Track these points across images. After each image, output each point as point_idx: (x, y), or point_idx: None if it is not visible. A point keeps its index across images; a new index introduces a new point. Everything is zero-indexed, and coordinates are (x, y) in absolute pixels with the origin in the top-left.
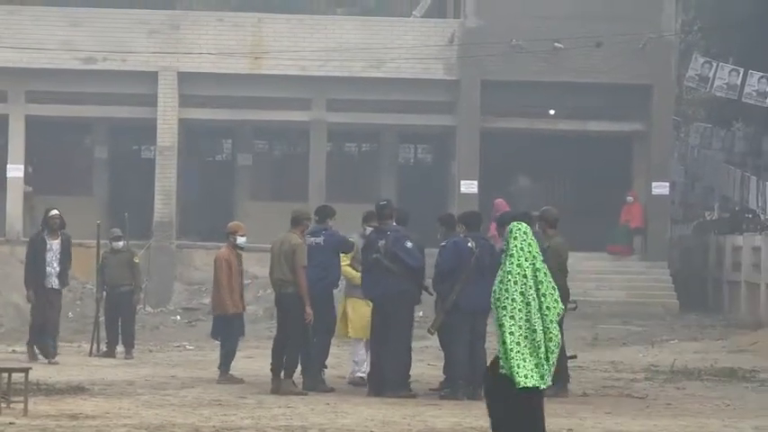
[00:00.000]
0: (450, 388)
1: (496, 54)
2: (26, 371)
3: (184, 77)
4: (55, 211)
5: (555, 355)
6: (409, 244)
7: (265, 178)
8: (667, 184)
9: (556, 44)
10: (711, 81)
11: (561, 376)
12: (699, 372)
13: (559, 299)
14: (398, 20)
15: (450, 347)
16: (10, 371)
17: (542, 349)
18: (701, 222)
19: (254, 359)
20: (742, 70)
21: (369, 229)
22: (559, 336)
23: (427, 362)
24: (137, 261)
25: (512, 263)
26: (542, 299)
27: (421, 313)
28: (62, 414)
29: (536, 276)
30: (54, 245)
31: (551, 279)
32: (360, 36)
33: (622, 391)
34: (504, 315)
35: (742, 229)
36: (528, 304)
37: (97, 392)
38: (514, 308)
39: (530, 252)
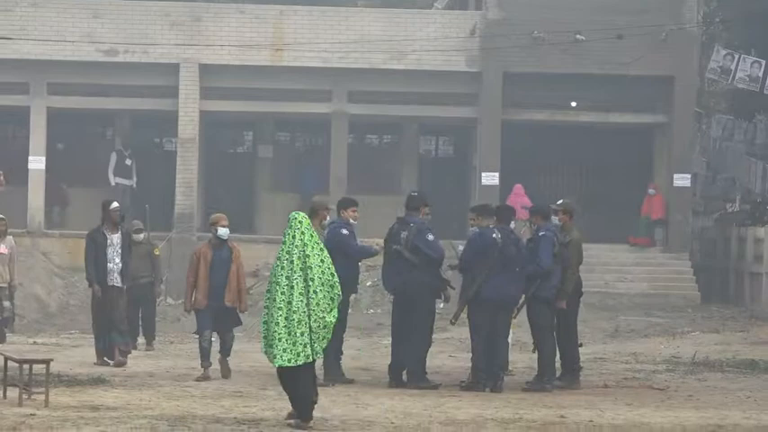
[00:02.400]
0: (471, 379)
1: (518, 46)
2: (47, 362)
3: (206, 69)
4: (116, 204)
5: (321, 335)
6: (431, 236)
7: (286, 170)
8: (689, 175)
9: (577, 36)
10: (733, 73)
11: (572, 367)
12: (720, 363)
13: (336, 285)
14: (420, 12)
15: (472, 338)
16: (31, 362)
17: (302, 330)
18: (722, 214)
19: None
20: (764, 62)
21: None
22: (328, 318)
23: (449, 353)
24: (157, 253)
25: (282, 249)
26: (309, 283)
27: (442, 305)
28: (83, 405)
29: (305, 262)
30: (114, 239)
31: (328, 267)
32: (381, 28)
33: (643, 382)
34: (268, 297)
35: (764, 221)
36: (292, 288)
37: (118, 384)
38: (276, 290)
39: (301, 240)
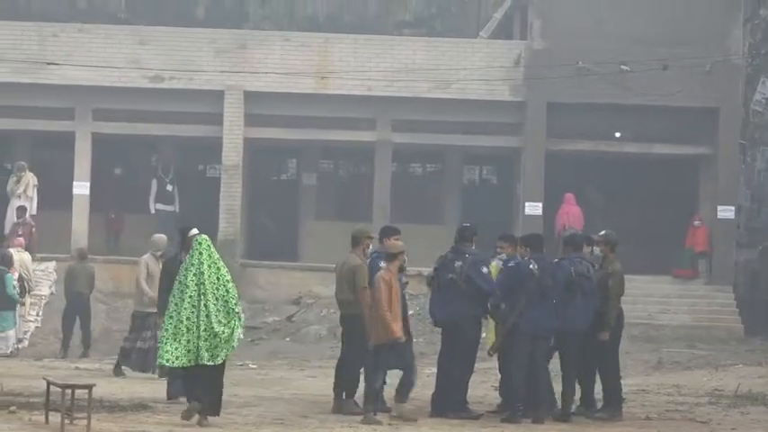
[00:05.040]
0: (510, 412)
1: (562, 76)
2: (90, 387)
3: (250, 96)
4: (195, 231)
5: (212, 343)
6: (485, 269)
7: (330, 198)
8: (733, 208)
9: (622, 67)
10: None
11: (614, 398)
12: (763, 397)
13: (231, 301)
14: (465, 41)
15: (509, 371)
16: (73, 387)
17: (188, 337)
18: (766, 246)
19: (317, 378)
20: None
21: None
22: (218, 328)
23: (490, 383)
24: None
25: (183, 267)
26: (201, 298)
27: (484, 335)
28: (125, 431)
29: (200, 279)
30: None
31: (224, 284)
32: (426, 57)
33: (686, 415)
34: (167, 309)
35: None
36: (183, 300)
37: (160, 410)
38: (172, 302)
39: (198, 260)
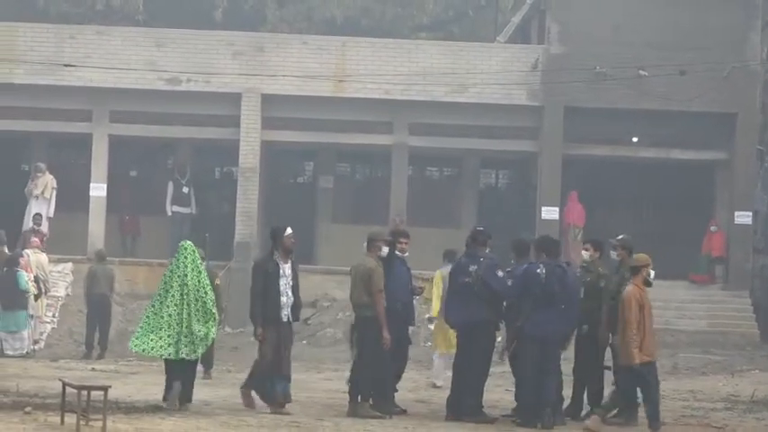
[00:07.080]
0: (521, 416)
1: (580, 81)
2: (105, 389)
3: (268, 99)
4: (290, 230)
5: (190, 339)
6: (500, 273)
7: (346, 201)
8: (750, 213)
9: (640, 72)
10: None
11: (630, 405)
12: None
13: (209, 303)
14: (482, 45)
15: (519, 375)
16: (89, 388)
17: (169, 332)
18: None
19: (332, 381)
20: None
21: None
22: (197, 326)
23: (505, 387)
24: (218, 282)
25: (168, 269)
26: (184, 298)
27: (499, 339)
28: None
29: (183, 281)
30: (287, 269)
31: (203, 287)
32: (443, 61)
33: (701, 420)
34: (150, 302)
35: None
36: (167, 297)
37: (175, 412)
38: (156, 299)
39: (183, 263)
